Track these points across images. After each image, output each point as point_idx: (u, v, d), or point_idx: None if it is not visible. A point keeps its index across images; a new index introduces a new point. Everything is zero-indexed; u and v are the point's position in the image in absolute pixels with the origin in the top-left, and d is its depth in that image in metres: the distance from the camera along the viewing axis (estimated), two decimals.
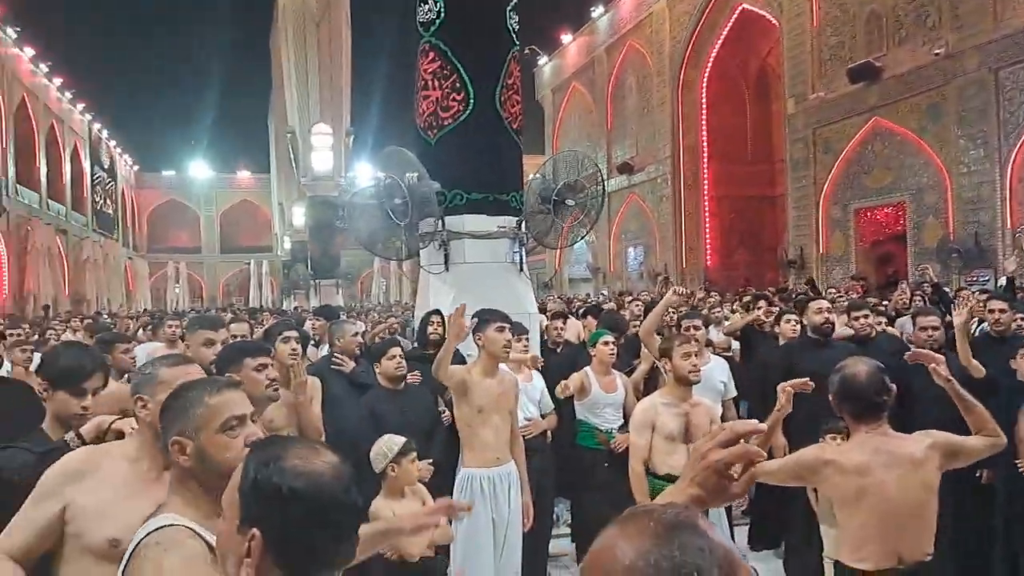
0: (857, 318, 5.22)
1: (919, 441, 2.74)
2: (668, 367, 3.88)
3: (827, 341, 5.09)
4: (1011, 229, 14.53)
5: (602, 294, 21.85)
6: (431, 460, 4.18)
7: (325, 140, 30.55)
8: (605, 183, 7.53)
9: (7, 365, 5.27)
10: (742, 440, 1.17)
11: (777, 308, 6.98)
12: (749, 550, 5.42)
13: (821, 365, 4.56)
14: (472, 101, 6.20)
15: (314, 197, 28.94)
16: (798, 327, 5.61)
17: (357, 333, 4.99)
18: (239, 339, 4.19)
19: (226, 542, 1.24)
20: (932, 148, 16.10)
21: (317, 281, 26.99)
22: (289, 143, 32.19)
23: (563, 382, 4.86)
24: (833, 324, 5.25)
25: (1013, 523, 4.12)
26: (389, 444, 3.44)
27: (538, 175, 6.81)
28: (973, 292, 7.58)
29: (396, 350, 4.45)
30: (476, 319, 3.97)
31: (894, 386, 2.78)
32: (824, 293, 11.82)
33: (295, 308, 22.78)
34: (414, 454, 3.44)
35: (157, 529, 1.60)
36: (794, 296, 10.08)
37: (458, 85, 6.20)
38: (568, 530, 5.70)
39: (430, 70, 6.29)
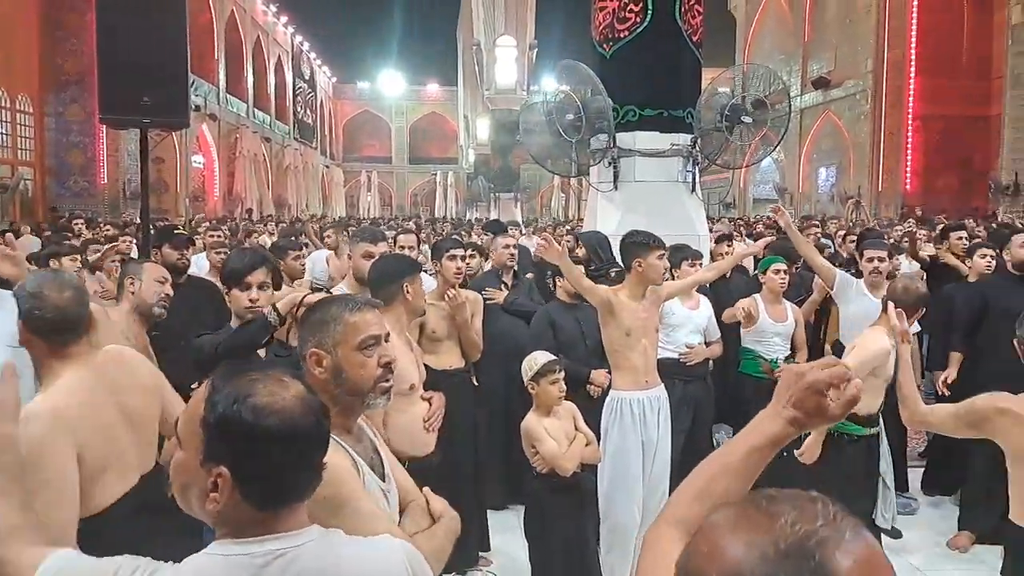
0: None
1: None
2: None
3: None
4: None
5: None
6: (608, 370, 4.25)
7: (509, 53, 30.57)
8: (791, 101, 7.04)
9: (205, 265, 5.72)
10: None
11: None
12: (922, 494, 5.14)
13: (1019, 302, 4.15)
14: (650, 12, 5.94)
15: (496, 110, 29.23)
16: (993, 263, 5.10)
17: (509, 245, 5.01)
18: (405, 250, 4.39)
19: (186, 474, 1.21)
20: None
21: (496, 194, 27.48)
22: (475, 55, 32.51)
23: (730, 309, 4.74)
24: None
25: None
26: (531, 362, 3.45)
27: (722, 90, 6.48)
28: None
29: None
30: (630, 242, 3.89)
31: None
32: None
33: (475, 219, 23.46)
34: (555, 375, 3.41)
35: None
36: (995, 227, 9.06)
37: None
38: None
39: None
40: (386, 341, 1.84)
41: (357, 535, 1.35)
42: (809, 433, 3.75)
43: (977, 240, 6.26)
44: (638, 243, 3.86)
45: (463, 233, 11.70)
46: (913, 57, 22.37)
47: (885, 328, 3.24)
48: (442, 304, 3.93)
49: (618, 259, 4.40)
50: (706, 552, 0.71)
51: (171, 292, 3.37)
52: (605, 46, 6.18)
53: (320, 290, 3.31)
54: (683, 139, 6.05)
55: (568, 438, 3.46)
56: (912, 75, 22.41)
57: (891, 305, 3.05)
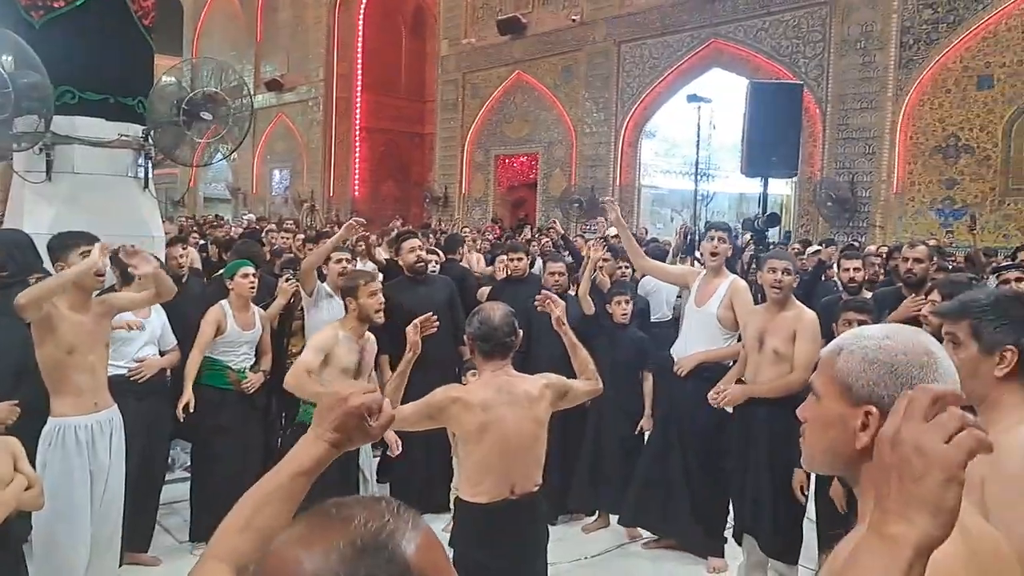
0: (513, 260, 5.64)
1: (536, 381, 2.94)
2: (353, 306, 4.00)
3: (424, 279, 5.35)
4: (619, 187, 16.68)
5: (246, 217, 20.67)
6: (16, 402, 3.59)
7: None
8: (252, 99, 6.95)
9: None
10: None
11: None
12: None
13: (417, 301, 4.82)
14: None
15: None
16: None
17: None
18: None
19: None
20: (563, 107, 17.77)
21: None
22: None
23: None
24: (426, 262, 5.51)
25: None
26: None
27: (172, 80, 6.05)
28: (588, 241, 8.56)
29: None
30: (53, 244, 3.43)
31: (521, 331, 2.95)
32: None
33: None
34: None
35: None
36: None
37: None
38: (185, 474, 5.28)
39: None
40: None
41: None
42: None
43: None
44: (57, 244, 3.52)
45: None
46: (360, 73, 24.47)
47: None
48: None
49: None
50: (284, 570, 0.73)
51: None
52: (34, 13, 5.26)
53: None
54: (134, 129, 5.50)
55: (3, 482, 2.86)
56: (359, 90, 24.50)
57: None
